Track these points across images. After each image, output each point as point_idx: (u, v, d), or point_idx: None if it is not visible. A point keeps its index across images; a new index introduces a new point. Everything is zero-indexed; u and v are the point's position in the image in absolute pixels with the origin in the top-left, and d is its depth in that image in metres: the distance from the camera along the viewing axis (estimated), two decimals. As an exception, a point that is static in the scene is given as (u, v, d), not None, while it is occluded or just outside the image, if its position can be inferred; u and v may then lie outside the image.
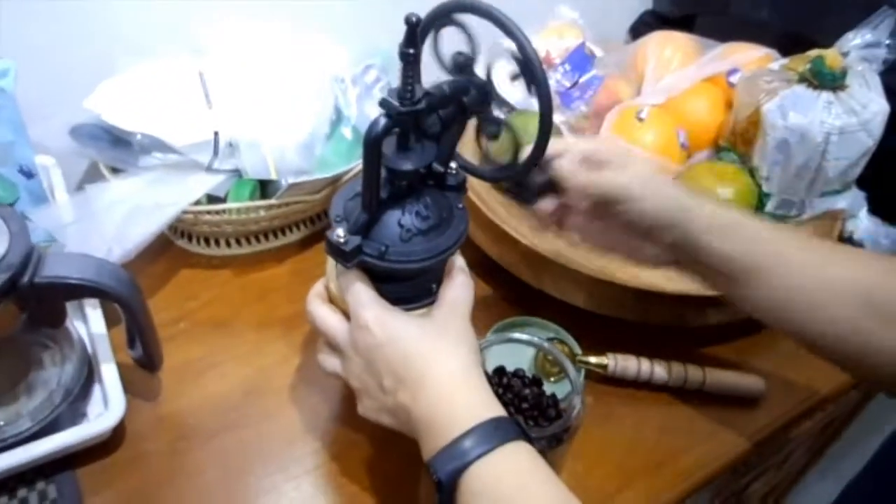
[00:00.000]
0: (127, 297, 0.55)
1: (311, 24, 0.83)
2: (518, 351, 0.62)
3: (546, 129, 0.48)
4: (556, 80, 0.90)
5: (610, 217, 0.58)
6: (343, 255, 0.49)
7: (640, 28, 1.19)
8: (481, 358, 0.60)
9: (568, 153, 0.59)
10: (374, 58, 0.84)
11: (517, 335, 0.59)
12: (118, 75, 0.76)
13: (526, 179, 0.60)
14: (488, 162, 0.58)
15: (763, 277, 0.55)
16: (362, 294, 0.50)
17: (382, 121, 0.45)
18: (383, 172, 0.48)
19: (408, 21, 0.43)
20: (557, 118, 0.90)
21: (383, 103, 0.45)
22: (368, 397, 0.51)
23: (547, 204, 0.61)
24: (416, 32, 0.44)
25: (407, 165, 0.48)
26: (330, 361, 0.55)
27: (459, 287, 0.53)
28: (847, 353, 0.53)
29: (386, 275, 0.51)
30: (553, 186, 0.60)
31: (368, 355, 0.50)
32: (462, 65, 0.48)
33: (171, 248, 0.81)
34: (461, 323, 0.51)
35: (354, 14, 0.92)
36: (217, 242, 0.81)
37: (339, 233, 0.48)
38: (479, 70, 0.49)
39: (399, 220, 0.50)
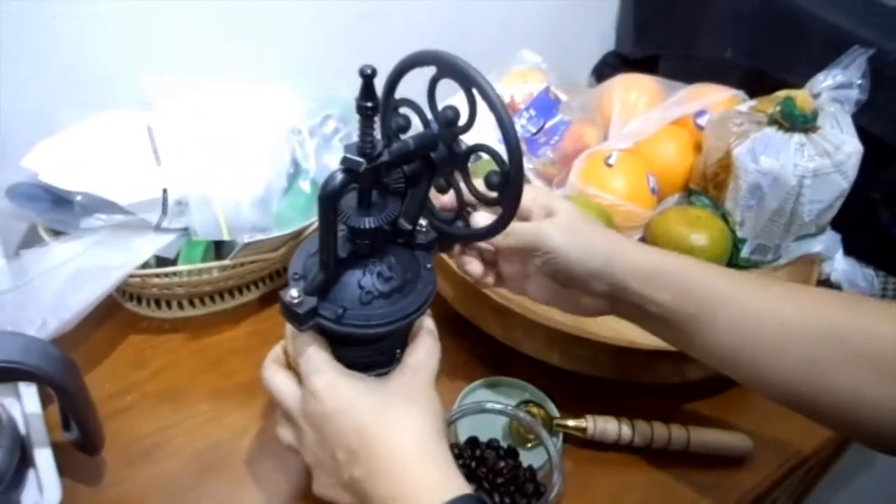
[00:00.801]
0: (58, 378, 0.50)
1: (266, 75, 0.80)
2: (491, 417, 0.59)
3: (517, 184, 0.45)
4: (522, 125, 0.88)
5: (538, 269, 0.54)
6: (296, 318, 0.45)
7: (603, 70, 1.18)
8: (451, 430, 0.56)
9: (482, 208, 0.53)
10: (333, 108, 0.81)
11: (490, 405, 0.55)
12: (59, 132, 0.71)
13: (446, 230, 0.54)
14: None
15: (704, 322, 0.51)
16: (314, 359, 0.47)
17: (339, 176, 0.42)
18: (344, 230, 0.45)
19: (362, 73, 0.40)
20: (524, 165, 0.87)
21: (344, 160, 0.42)
22: (323, 472, 0.47)
23: (474, 266, 0.57)
24: (373, 85, 0.41)
25: (367, 223, 0.45)
26: (285, 433, 0.51)
27: (423, 351, 0.49)
28: (807, 394, 0.48)
29: (344, 339, 0.47)
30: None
31: (320, 426, 0.46)
32: (451, 120, 0.45)
33: (118, 311, 0.76)
34: (422, 389, 0.47)
35: (311, 64, 0.89)
36: (168, 304, 0.76)
37: (293, 293, 0.45)
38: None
39: (359, 281, 0.46)
